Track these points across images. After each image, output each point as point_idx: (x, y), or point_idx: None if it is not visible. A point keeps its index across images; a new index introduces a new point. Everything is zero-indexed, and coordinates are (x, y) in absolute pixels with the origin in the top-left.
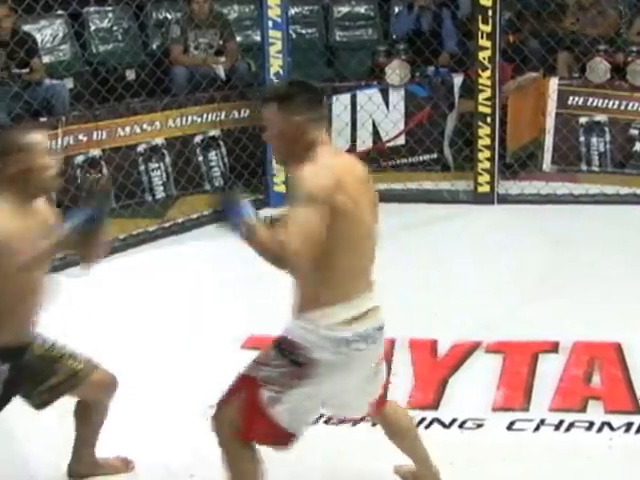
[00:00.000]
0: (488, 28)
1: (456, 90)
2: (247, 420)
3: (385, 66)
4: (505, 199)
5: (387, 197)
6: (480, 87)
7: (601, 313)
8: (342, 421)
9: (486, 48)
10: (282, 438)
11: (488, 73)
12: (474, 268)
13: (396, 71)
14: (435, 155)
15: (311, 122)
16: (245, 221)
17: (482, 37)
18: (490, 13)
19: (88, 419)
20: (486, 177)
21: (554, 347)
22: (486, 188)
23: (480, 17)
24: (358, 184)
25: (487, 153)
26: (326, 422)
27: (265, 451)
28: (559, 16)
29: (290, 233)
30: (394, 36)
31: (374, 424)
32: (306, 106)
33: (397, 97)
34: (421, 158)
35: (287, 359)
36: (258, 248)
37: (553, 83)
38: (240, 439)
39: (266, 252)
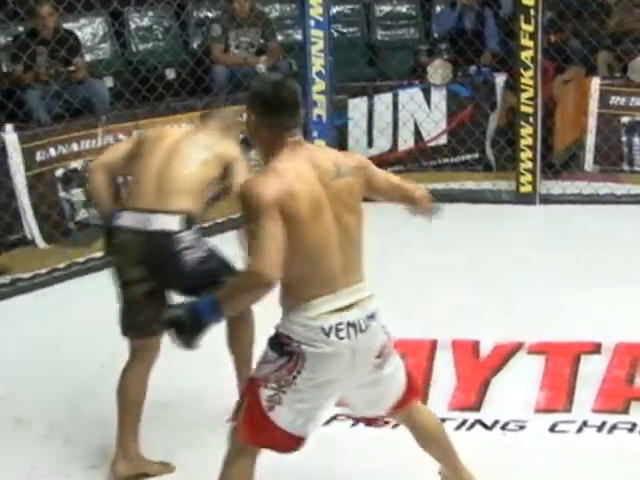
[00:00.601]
0: (530, 28)
1: (498, 90)
2: (250, 423)
3: (427, 65)
4: (547, 199)
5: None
6: (522, 87)
7: None
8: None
9: (528, 48)
10: (284, 442)
11: (530, 73)
12: (516, 268)
13: (438, 70)
14: (477, 155)
15: (266, 126)
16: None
17: (524, 37)
18: (532, 12)
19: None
20: (528, 177)
21: (596, 348)
22: (528, 188)
23: (522, 17)
24: (315, 186)
25: (529, 153)
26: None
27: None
28: (601, 16)
29: (249, 258)
30: (436, 35)
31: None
32: (262, 110)
33: (439, 96)
34: (463, 158)
35: (278, 353)
36: (234, 306)
37: (595, 83)
38: (241, 441)
39: (240, 300)
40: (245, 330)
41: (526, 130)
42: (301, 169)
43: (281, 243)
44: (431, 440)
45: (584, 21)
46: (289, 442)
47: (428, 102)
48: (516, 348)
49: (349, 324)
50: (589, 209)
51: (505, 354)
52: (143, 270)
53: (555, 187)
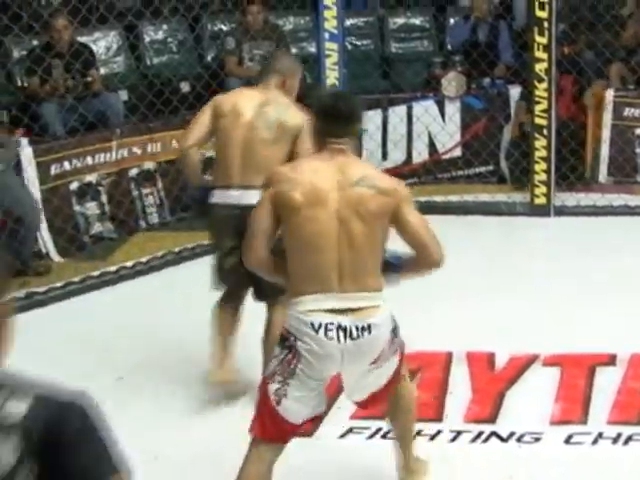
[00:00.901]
0: (544, 40)
1: (512, 102)
2: (260, 418)
3: (441, 78)
4: (561, 211)
5: (443, 209)
6: (537, 99)
7: None
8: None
9: (542, 60)
10: (290, 432)
11: (545, 85)
12: (531, 280)
13: (452, 83)
14: (491, 167)
15: (318, 130)
16: None
17: (538, 49)
18: (546, 25)
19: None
20: (543, 189)
21: (611, 360)
22: (542, 200)
23: (536, 29)
24: (325, 183)
25: (543, 165)
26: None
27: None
28: (615, 28)
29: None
30: (449, 47)
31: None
32: (318, 115)
33: (453, 109)
34: (477, 170)
35: (281, 347)
36: None
37: (609, 95)
38: (254, 437)
39: None
40: (272, 326)
41: (540, 142)
42: (322, 168)
43: (266, 232)
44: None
45: (598, 33)
46: (293, 430)
47: (442, 114)
48: (531, 360)
49: (340, 327)
50: (603, 221)
51: (520, 366)
52: (237, 240)
53: (570, 199)
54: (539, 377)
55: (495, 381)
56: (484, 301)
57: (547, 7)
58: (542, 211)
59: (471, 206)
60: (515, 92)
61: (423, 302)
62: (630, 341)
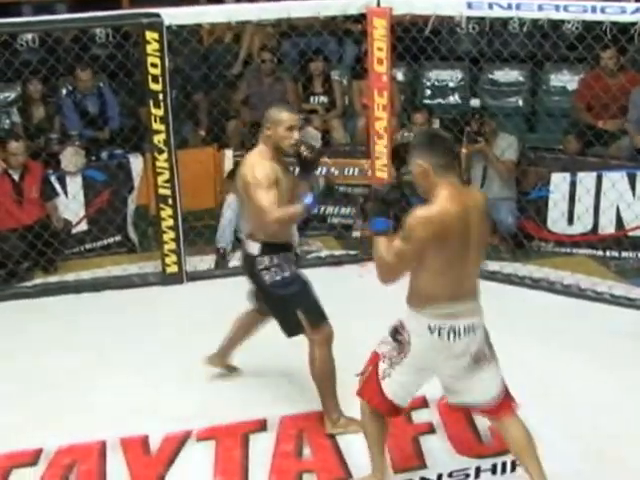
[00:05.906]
0: (160, 112)
1: (135, 171)
2: (367, 386)
3: (59, 154)
4: (194, 276)
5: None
6: (159, 170)
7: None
8: None
9: (160, 132)
10: (387, 407)
11: (165, 156)
12: (170, 352)
13: (70, 158)
14: (119, 238)
15: (434, 167)
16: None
17: (155, 121)
18: (161, 97)
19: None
20: (173, 257)
21: (262, 425)
22: (174, 268)
23: (152, 101)
24: (466, 220)
25: (171, 234)
26: None
27: None
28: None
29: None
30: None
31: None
32: (429, 153)
33: (75, 186)
34: (106, 242)
35: (393, 339)
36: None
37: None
38: (361, 398)
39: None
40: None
41: (166, 212)
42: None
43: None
44: (522, 452)
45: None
46: (390, 408)
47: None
48: (185, 437)
49: (450, 329)
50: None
51: (175, 445)
52: None
53: (201, 263)
54: (195, 453)
55: (153, 465)
56: (130, 381)
57: (161, 80)
58: (175, 279)
59: (104, 282)
60: (136, 162)
61: (59, 393)
62: (279, 404)
